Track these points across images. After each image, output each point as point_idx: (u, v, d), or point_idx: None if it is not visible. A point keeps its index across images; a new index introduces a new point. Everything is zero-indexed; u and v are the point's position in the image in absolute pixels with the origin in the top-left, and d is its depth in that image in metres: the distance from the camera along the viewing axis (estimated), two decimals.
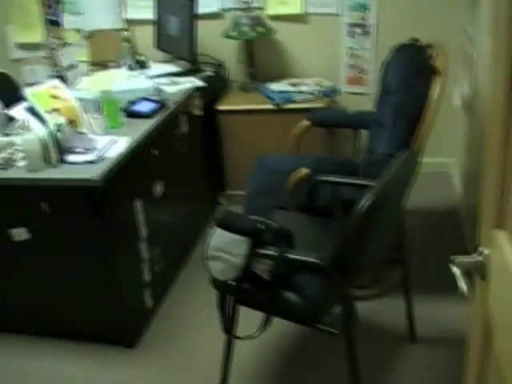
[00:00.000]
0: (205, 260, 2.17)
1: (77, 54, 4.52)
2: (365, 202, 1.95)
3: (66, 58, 4.50)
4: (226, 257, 2.11)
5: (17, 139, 2.88)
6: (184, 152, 3.61)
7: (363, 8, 3.99)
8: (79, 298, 2.92)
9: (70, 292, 2.93)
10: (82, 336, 3.04)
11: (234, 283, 2.18)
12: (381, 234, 2.26)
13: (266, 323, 2.25)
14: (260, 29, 3.99)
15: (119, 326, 2.98)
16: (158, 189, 3.22)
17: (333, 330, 2.18)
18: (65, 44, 4.51)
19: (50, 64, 4.62)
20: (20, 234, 2.81)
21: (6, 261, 2.95)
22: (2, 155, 2.87)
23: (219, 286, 2.26)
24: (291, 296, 2.17)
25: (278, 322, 2.29)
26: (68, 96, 3.01)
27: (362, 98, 4.15)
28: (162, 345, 3.03)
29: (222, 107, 3.99)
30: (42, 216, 2.73)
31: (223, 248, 2.12)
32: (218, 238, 2.15)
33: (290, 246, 2.16)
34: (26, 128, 2.83)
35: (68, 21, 4.47)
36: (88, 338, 3.03)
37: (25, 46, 4.76)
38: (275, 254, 2.10)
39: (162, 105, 3.35)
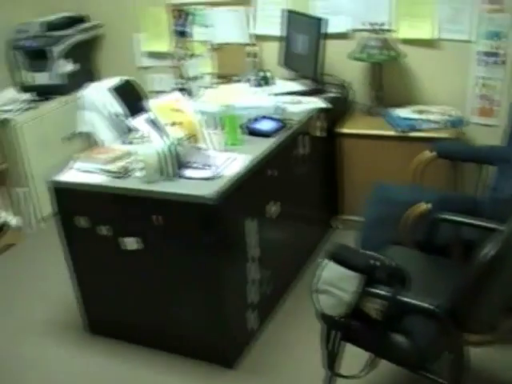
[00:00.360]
0: (314, 293, 2.13)
1: (202, 65, 4.62)
2: (489, 250, 1.85)
3: (191, 68, 4.61)
4: (337, 292, 2.07)
5: (136, 149, 2.95)
6: (301, 173, 3.59)
7: (497, 36, 3.83)
8: (184, 311, 2.96)
9: (175, 305, 2.98)
10: (184, 350, 3.07)
11: (341, 319, 2.14)
12: (504, 284, 2.14)
13: (371, 364, 2.19)
14: (388, 52, 3.92)
15: (221, 345, 2.99)
16: (273, 209, 3.22)
17: (441, 380, 2.08)
18: (191, 55, 4.64)
19: (175, 74, 4.77)
20: (132, 243, 2.88)
21: (117, 268, 3.04)
22: (121, 163, 2.96)
23: (326, 320, 2.21)
24: (400, 339, 2.10)
25: (383, 364, 2.22)
26: (190, 110, 3.06)
27: (490, 130, 3.98)
28: (261, 368, 3.01)
29: (344, 130, 3.94)
30: (153, 228, 2.79)
31: (334, 283, 2.08)
32: (330, 271, 2.11)
33: (404, 287, 2.08)
34: (146, 139, 2.90)
35: (196, 32, 4.60)
36: (190, 353, 3.06)
37: (152, 55, 4.93)
38: (388, 294, 2.04)
39: (283, 124, 3.34)
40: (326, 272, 2.12)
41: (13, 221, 4.53)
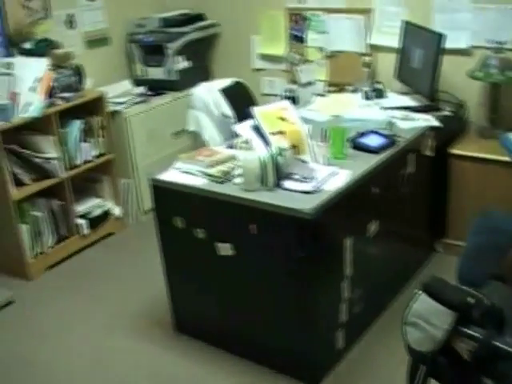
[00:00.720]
0: (403, 324, 2.08)
1: (315, 72, 4.63)
2: None
3: (304, 74, 4.62)
4: (426, 327, 2.01)
5: (238, 155, 2.98)
6: (406, 192, 3.51)
7: None
8: (273, 323, 2.97)
9: (264, 315, 2.99)
10: (270, 363, 3.08)
11: (429, 354, 2.07)
12: None
13: None
14: (510, 73, 3.76)
15: (308, 362, 2.97)
16: (373, 228, 3.17)
17: None
18: (305, 61, 4.64)
19: (287, 78, 4.79)
20: (226, 249, 2.91)
21: (208, 272, 3.08)
22: (222, 168, 3.00)
23: (413, 353, 2.15)
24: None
25: None
26: (296, 120, 3.06)
27: None
28: None
29: (455, 151, 3.82)
30: (248, 236, 2.81)
31: (425, 317, 2.02)
32: (422, 304, 2.05)
33: (500, 330, 1.99)
34: (249, 146, 2.92)
35: (312, 38, 4.60)
36: (275, 366, 3.06)
37: (267, 58, 4.96)
38: (481, 337, 1.96)
39: (391, 141, 3.27)
40: (417, 304, 2.06)
41: (115, 210, 4.69)
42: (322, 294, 2.87)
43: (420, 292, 2.08)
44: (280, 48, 4.83)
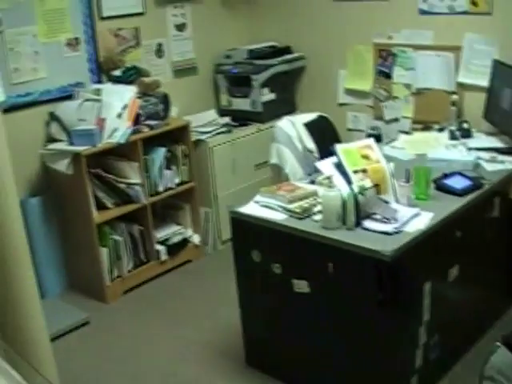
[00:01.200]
0: (480, 378, 2.04)
1: (401, 108, 4.60)
2: None
3: (389, 110, 4.61)
4: (504, 382, 1.96)
5: (319, 191, 2.99)
6: (489, 237, 3.44)
7: None
8: (345, 363, 2.94)
9: (337, 355, 2.96)
10: None
11: None
12: None
13: None
14: None
15: None
16: (453, 273, 3.11)
17: None
18: (391, 97, 4.63)
19: (373, 114, 4.78)
20: (303, 286, 2.92)
21: (283, 307, 3.09)
22: (303, 203, 3.02)
23: None
24: None
25: None
26: (379, 158, 3.06)
27: None
28: None
29: None
30: (325, 274, 2.81)
31: (503, 371, 1.97)
32: (502, 358, 2.00)
33: None
34: (330, 183, 2.92)
35: (399, 74, 4.58)
36: None
37: (352, 92, 4.97)
38: None
39: (477, 184, 3.21)
40: (496, 357, 2.02)
41: (194, 238, 4.76)
42: (398, 337, 2.84)
43: (499, 344, 2.03)
44: (366, 83, 4.83)
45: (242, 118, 5.04)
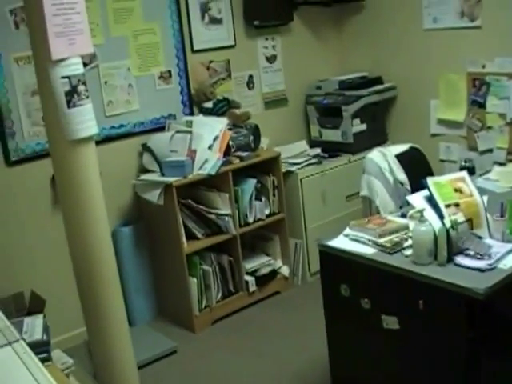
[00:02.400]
0: None
1: (495, 139, 4.51)
2: None
3: (483, 141, 4.53)
4: None
5: (411, 226, 2.95)
6: None
7: None
8: None
9: None
10: None
11: None
12: None
13: None
14: None
15: None
16: None
17: None
18: (485, 127, 4.54)
19: (466, 144, 4.70)
20: (393, 322, 2.87)
21: (373, 344, 3.04)
22: (393, 237, 2.98)
23: None
24: None
25: None
26: (472, 192, 2.99)
27: None
28: None
29: None
30: (415, 311, 2.76)
31: None
32: None
33: None
34: (421, 217, 2.88)
35: (492, 104, 4.51)
36: None
37: (444, 122, 4.91)
38: None
39: None
40: None
41: (283, 269, 4.78)
42: (493, 377, 2.75)
43: None
44: (459, 113, 4.76)
45: (332, 149, 5.06)
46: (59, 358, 3.00)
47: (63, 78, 2.75)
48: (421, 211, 2.86)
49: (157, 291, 4.62)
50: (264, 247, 4.81)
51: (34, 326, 2.60)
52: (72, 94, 2.77)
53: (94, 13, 4.10)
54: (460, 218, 2.84)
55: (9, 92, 3.96)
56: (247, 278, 4.56)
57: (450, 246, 2.75)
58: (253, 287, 4.58)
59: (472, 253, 2.77)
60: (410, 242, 2.90)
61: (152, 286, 4.60)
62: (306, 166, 4.83)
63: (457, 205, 2.92)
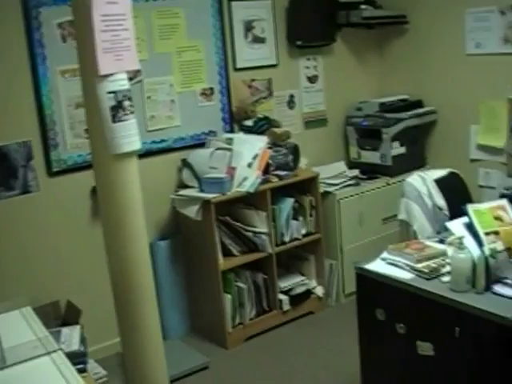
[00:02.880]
0: None
1: None
2: None
3: None
4: None
5: (449, 252, 2.93)
6: None
7: None
8: None
9: None
10: None
11: None
12: None
13: None
14: None
15: None
16: None
17: None
18: None
19: (506, 171, 4.64)
20: (428, 349, 2.84)
21: (407, 370, 3.01)
22: (431, 263, 2.96)
23: None
24: None
25: None
26: None
27: None
28: None
29: None
30: (451, 338, 2.73)
31: None
32: None
33: None
34: (461, 244, 2.86)
35: None
36: None
37: (484, 148, 4.86)
38: None
39: None
40: None
41: (318, 289, 4.77)
42: None
43: None
44: (499, 139, 4.69)
45: (370, 171, 5.05)
46: (92, 369, 3.04)
47: (109, 92, 2.79)
48: (460, 238, 2.84)
49: (191, 306, 4.64)
50: (299, 267, 4.81)
51: (72, 336, 2.64)
52: (117, 109, 2.81)
53: (140, 28, 4.16)
54: (499, 246, 2.80)
55: (54, 104, 4.05)
56: (281, 296, 4.57)
57: (488, 275, 2.72)
58: (286, 306, 4.58)
59: (510, 282, 2.74)
60: (447, 268, 2.88)
61: (186, 301, 4.62)
62: (344, 187, 4.84)
63: (496, 233, 2.88)
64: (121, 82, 2.85)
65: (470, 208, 2.96)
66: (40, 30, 3.94)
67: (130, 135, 2.87)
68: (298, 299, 4.65)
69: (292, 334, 4.52)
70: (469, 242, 2.84)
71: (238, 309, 4.39)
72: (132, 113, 2.88)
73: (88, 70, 2.83)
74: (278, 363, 4.13)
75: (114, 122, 2.81)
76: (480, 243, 2.81)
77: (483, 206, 3.01)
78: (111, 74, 2.80)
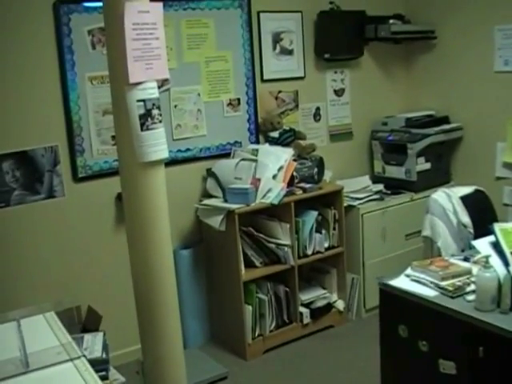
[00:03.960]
0: None
1: None
2: None
3: None
4: None
5: (475, 271, 2.90)
6: None
7: None
8: None
9: None
10: None
11: None
12: None
13: None
14: None
15: None
16: None
17: None
18: None
19: None
20: (451, 368, 2.81)
21: None
22: (455, 281, 2.93)
23: None
24: None
25: None
26: None
27: None
28: None
29: None
30: (474, 357, 2.69)
31: None
32: None
33: None
34: (487, 263, 2.83)
35: None
36: None
37: (510, 167, 4.81)
38: None
39: None
40: None
41: (339, 303, 4.75)
42: None
43: None
44: None
45: (395, 186, 5.02)
46: (111, 375, 3.03)
47: (138, 101, 2.80)
48: (486, 257, 2.81)
49: (211, 316, 4.63)
50: (321, 280, 4.79)
51: (94, 343, 2.64)
52: (146, 117, 2.81)
53: (169, 37, 4.17)
54: None
55: (81, 110, 4.07)
56: (302, 309, 4.54)
57: None
58: (307, 319, 4.56)
59: None
60: (472, 287, 2.84)
61: (207, 310, 4.62)
62: (367, 201, 4.81)
63: None
64: (150, 91, 2.86)
65: (497, 227, 2.94)
66: (70, 37, 3.97)
67: (157, 144, 2.87)
68: (318, 312, 4.63)
69: (312, 347, 4.49)
70: (495, 261, 2.81)
71: (258, 320, 4.37)
72: (160, 121, 2.88)
73: (118, 77, 2.84)
74: (297, 376, 4.11)
75: (143, 130, 2.81)
76: (506, 263, 2.78)
77: (510, 226, 2.98)
78: (141, 83, 2.81)
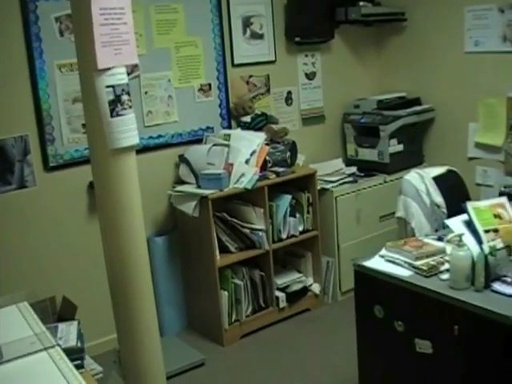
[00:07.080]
0: None
1: None
2: None
3: None
4: None
5: (448, 250, 2.92)
6: None
7: None
8: None
9: None
10: None
11: None
12: None
13: None
14: None
15: None
16: None
17: None
18: None
19: (504, 169, 4.65)
20: (427, 347, 2.83)
21: (405, 368, 3.00)
22: (430, 261, 2.95)
23: None
24: None
25: None
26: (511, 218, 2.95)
27: None
28: None
29: None
30: (449, 336, 2.72)
31: None
32: None
33: None
34: (460, 242, 2.85)
35: None
36: None
37: (482, 147, 4.86)
38: None
39: None
40: None
41: (314, 287, 4.76)
42: None
43: None
44: (498, 138, 4.71)
45: (368, 169, 5.04)
46: (87, 365, 3.01)
47: (108, 87, 2.76)
48: (460, 236, 2.83)
49: (187, 302, 4.63)
50: (296, 264, 4.79)
51: (69, 332, 2.62)
52: (116, 103, 2.78)
53: (138, 23, 4.14)
54: (499, 244, 2.79)
55: (50, 98, 4.02)
56: (278, 293, 4.55)
57: (487, 272, 2.71)
58: (283, 303, 4.56)
59: (509, 280, 2.73)
60: (446, 266, 2.87)
61: (182, 297, 4.61)
62: (341, 184, 4.82)
63: (496, 231, 2.87)
64: (119, 76, 2.82)
65: (470, 206, 2.95)
66: (37, 24, 3.91)
67: (128, 130, 2.83)
68: (294, 296, 4.64)
69: (288, 331, 4.51)
70: (468, 239, 2.83)
71: (234, 306, 4.37)
72: (130, 107, 2.84)
73: (86, 63, 2.79)
74: (274, 360, 4.12)
75: (112, 116, 2.78)
76: (479, 241, 2.80)
77: (483, 204, 3.00)
78: (110, 68, 2.77)
